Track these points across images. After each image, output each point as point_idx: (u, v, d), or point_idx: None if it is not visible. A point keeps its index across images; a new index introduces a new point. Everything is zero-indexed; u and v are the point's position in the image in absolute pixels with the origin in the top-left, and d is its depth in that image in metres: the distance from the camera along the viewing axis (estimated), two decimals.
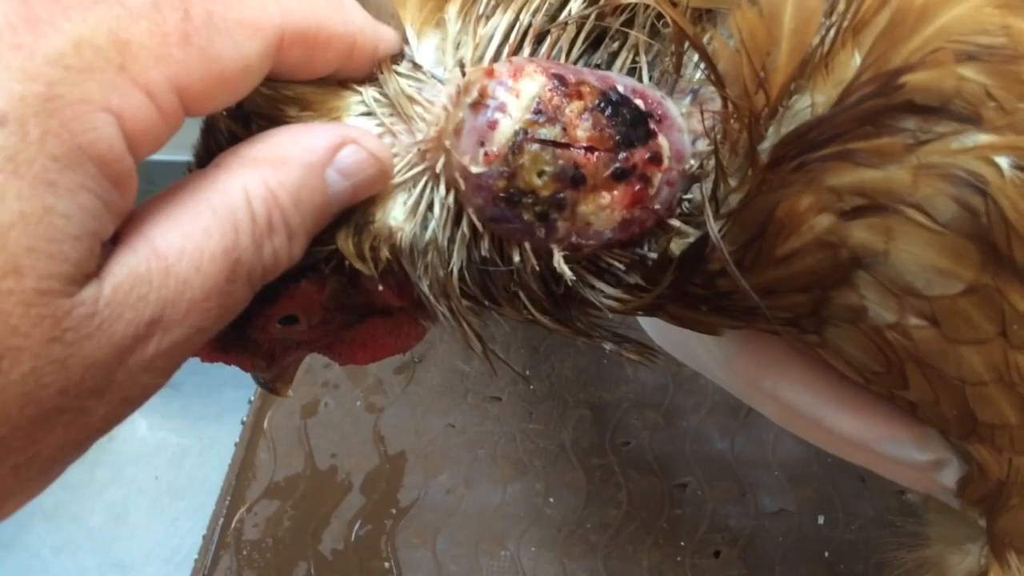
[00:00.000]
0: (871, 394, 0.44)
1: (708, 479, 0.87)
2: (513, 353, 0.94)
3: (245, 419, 0.90)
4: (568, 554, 0.83)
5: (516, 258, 0.40)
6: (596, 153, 0.37)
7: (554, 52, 0.40)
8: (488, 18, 0.40)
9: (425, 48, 0.40)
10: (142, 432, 0.98)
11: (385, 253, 0.40)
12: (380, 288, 0.41)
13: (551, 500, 0.86)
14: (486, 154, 0.37)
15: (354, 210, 0.39)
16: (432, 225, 0.40)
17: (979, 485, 0.43)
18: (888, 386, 0.41)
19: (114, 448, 0.97)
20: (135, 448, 0.97)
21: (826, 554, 0.83)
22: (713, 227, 0.37)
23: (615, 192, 0.38)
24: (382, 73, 0.39)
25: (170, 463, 0.96)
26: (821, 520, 0.85)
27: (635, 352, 0.44)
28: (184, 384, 1.00)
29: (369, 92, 0.39)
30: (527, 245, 0.40)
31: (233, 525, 0.85)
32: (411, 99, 0.39)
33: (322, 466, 0.89)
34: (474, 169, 0.37)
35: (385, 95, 0.39)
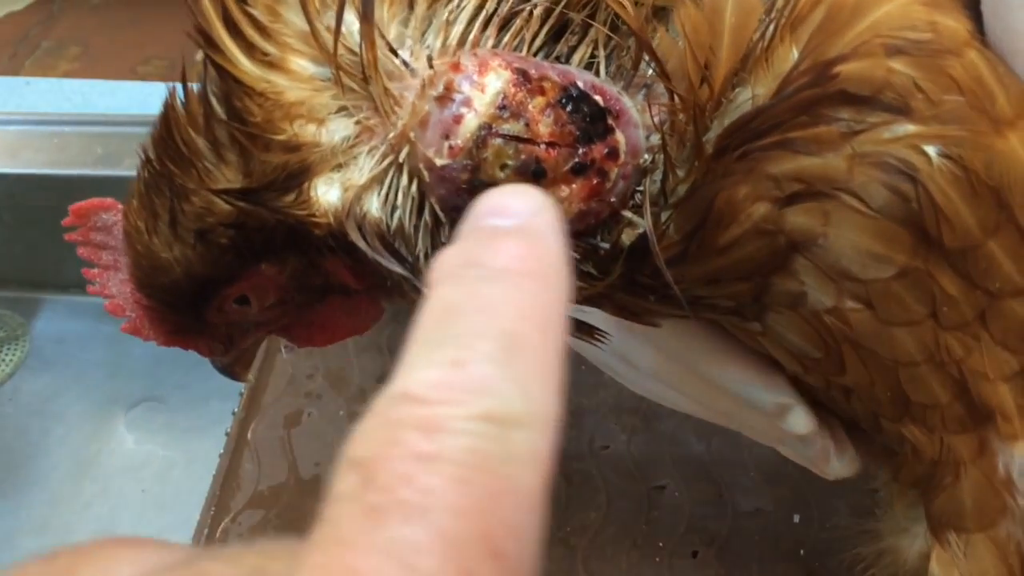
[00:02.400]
0: (732, 338, 0.45)
1: (685, 481, 0.88)
2: None
3: (229, 430, 0.91)
4: (548, 556, 0.84)
5: None
6: (557, 148, 0.39)
7: (516, 41, 0.41)
8: (454, 2, 0.41)
9: (394, 28, 0.41)
10: (129, 446, 0.99)
11: (377, 242, 0.41)
12: (344, 271, 0.43)
13: None
14: (450, 147, 0.39)
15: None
16: (398, 213, 0.41)
17: (913, 466, 0.44)
18: (825, 372, 0.42)
19: (101, 462, 0.98)
20: (122, 462, 0.98)
21: (801, 552, 0.84)
22: (648, 219, 0.39)
23: (573, 186, 0.39)
24: (371, 73, 0.40)
25: (156, 476, 0.97)
26: (797, 519, 0.86)
27: (587, 334, 0.46)
28: (169, 398, 1.01)
29: (349, 87, 0.40)
30: None
31: (218, 535, 0.86)
32: (392, 97, 0.40)
33: (306, 475, 0.90)
34: (439, 162, 0.39)
35: (367, 92, 0.40)
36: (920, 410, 0.42)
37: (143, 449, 0.99)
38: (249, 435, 0.92)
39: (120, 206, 0.48)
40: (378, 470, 0.20)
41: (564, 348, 0.22)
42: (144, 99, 1.09)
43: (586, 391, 0.94)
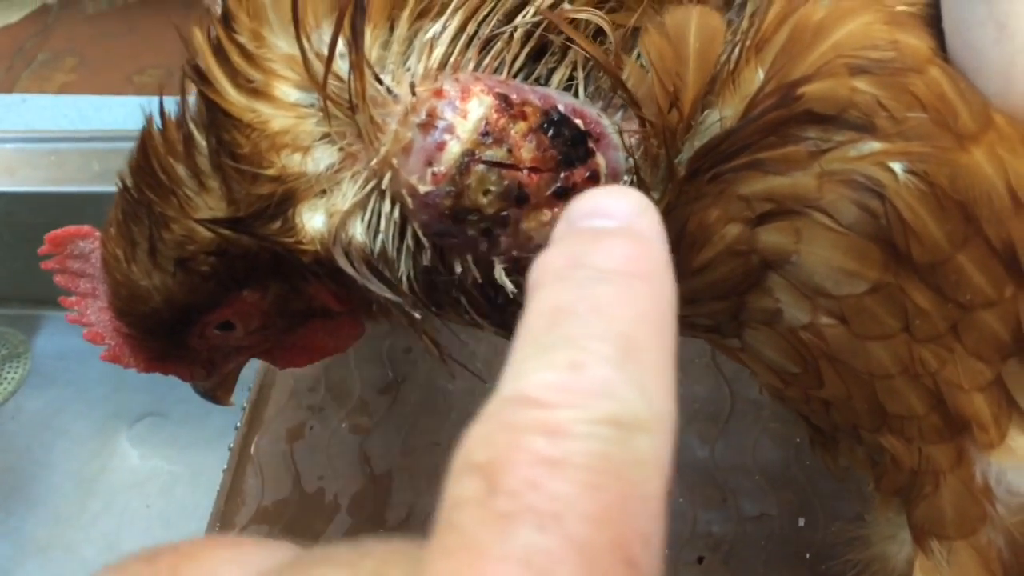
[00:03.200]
0: None
1: (690, 486, 0.88)
2: (496, 368, 0.95)
3: (232, 445, 0.92)
4: None
5: (458, 269, 0.42)
6: (539, 173, 0.39)
7: (497, 63, 0.41)
8: (436, 23, 0.41)
9: (375, 51, 0.41)
10: (133, 462, 0.99)
11: (364, 267, 0.41)
12: (323, 295, 0.43)
13: None
14: (433, 174, 0.39)
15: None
16: (381, 238, 0.41)
17: (894, 475, 0.45)
18: (804, 386, 0.43)
19: (106, 479, 0.98)
20: (127, 478, 0.98)
21: (807, 555, 0.84)
22: None
23: (556, 209, 0.40)
24: (359, 103, 0.40)
25: (161, 491, 0.97)
26: (802, 522, 0.86)
27: None
28: (172, 412, 1.01)
29: (334, 115, 0.40)
30: (469, 257, 0.41)
31: None
32: (376, 124, 0.40)
33: (309, 489, 0.90)
34: (422, 188, 0.39)
35: (352, 120, 0.40)
36: (897, 421, 0.43)
37: (147, 464, 1.00)
38: (252, 449, 0.92)
39: (97, 233, 0.48)
40: (503, 475, 0.19)
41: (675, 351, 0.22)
42: (141, 115, 1.09)
43: None
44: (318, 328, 0.49)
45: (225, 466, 0.90)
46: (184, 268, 0.44)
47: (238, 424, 0.94)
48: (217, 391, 0.51)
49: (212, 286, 0.45)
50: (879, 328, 0.40)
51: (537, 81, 0.42)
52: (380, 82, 0.40)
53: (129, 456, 1.00)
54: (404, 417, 0.94)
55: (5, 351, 1.03)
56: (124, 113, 1.11)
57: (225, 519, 0.88)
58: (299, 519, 0.88)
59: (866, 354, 0.40)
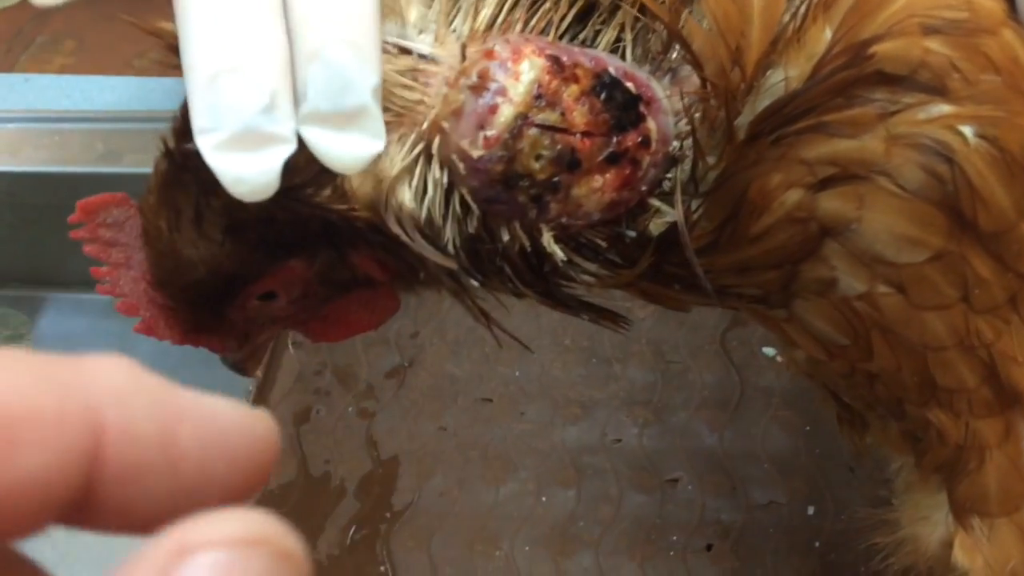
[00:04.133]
0: None
1: (698, 473, 0.87)
2: (504, 353, 0.95)
3: None
4: (562, 552, 0.84)
5: (505, 236, 0.41)
6: (592, 138, 0.38)
7: (544, 24, 0.40)
8: None
9: (414, 10, 0.40)
10: None
11: (417, 234, 0.40)
12: (372, 264, 0.42)
13: (543, 499, 0.87)
14: (485, 138, 0.38)
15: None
16: (427, 202, 0.40)
17: (938, 451, 0.44)
18: (852, 358, 0.42)
19: None
20: None
21: (817, 544, 0.84)
22: (679, 210, 0.39)
23: (607, 175, 0.39)
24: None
25: None
26: (811, 511, 0.86)
27: (610, 321, 0.45)
28: None
29: None
30: (516, 225, 0.41)
31: None
32: (404, 86, 0.39)
33: (315, 473, 0.89)
34: (474, 153, 0.38)
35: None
36: (947, 395, 0.42)
37: None
38: None
39: (133, 201, 0.47)
40: None
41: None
42: (145, 94, 1.08)
43: (597, 383, 0.94)
44: (355, 300, 0.47)
45: None
46: (232, 236, 0.43)
47: None
48: (247, 362, 0.50)
49: (261, 255, 0.43)
50: (937, 298, 0.39)
51: (583, 43, 0.41)
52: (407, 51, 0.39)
53: None
54: (411, 402, 0.94)
55: (7, 332, 1.01)
56: (128, 93, 1.09)
57: None
58: (305, 502, 0.87)
59: (921, 324, 0.40)
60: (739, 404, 0.92)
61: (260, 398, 0.93)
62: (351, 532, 0.86)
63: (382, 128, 0.38)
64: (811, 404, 0.91)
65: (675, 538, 0.84)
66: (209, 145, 0.36)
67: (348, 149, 0.37)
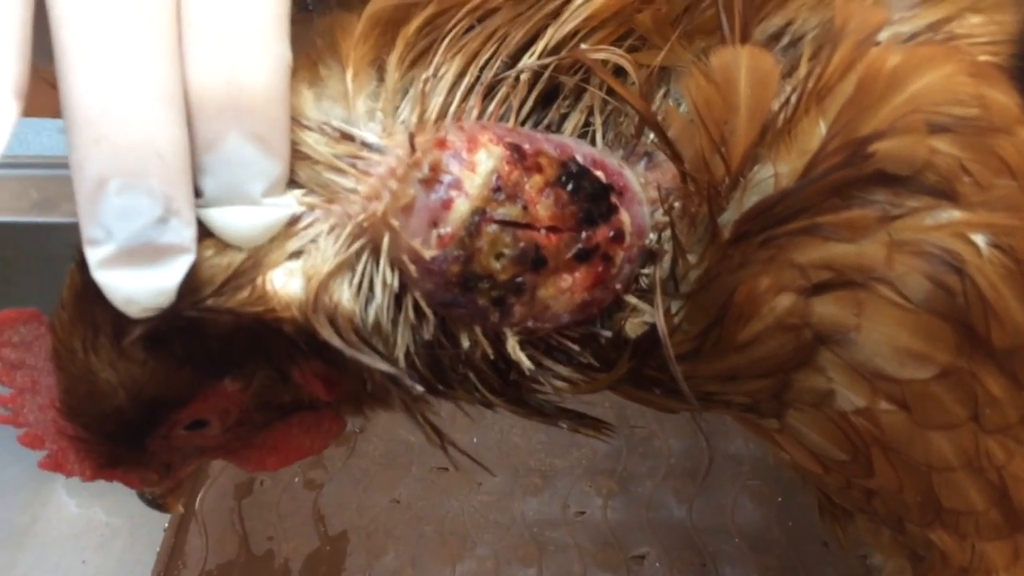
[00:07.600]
0: None
1: (667, 549, 0.83)
2: (459, 420, 0.90)
3: None
4: None
5: (465, 343, 0.36)
6: (558, 233, 0.34)
7: (503, 110, 0.36)
8: (432, 68, 0.36)
9: (362, 102, 0.36)
10: (71, 511, 0.92)
11: (353, 336, 0.36)
12: (314, 381, 0.37)
13: None
14: (439, 236, 0.34)
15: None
16: (374, 307, 0.36)
17: (941, 573, 0.40)
18: (850, 474, 0.38)
19: (39, 530, 0.91)
20: (62, 530, 0.91)
21: None
22: (659, 312, 0.34)
23: (577, 274, 0.35)
24: (310, 152, 0.35)
25: (99, 545, 0.90)
26: None
27: (592, 428, 0.41)
28: None
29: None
30: (478, 329, 0.36)
31: None
32: (340, 171, 0.35)
33: (258, 551, 0.83)
34: (427, 253, 0.34)
35: (315, 169, 0.35)
36: (953, 516, 0.39)
37: (85, 515, 0.93)
38: (196, 505, 0.85)
39: (43, 318, 0.41)
40: None
41: None
42: None
43: (558, 451, 0.89)
44: (295, 425, 0.42)
45: (167, 524, 0.84)
46: (155, 352, 0.37)
47: None
48: (168, 497, 0.44)
49: (187, 375, 0.38)
50: (944, 417, 0.35)
51: (548, 128, 0.37)
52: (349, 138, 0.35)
53: (66, 505, 0.92)
54: (362, 471, 0.89)
55: None
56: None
57: None
58: None
59: (926, 444, 0.36)
60: (708, 473, 0.88)
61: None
62: None
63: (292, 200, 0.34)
64: (783, 473, 0.88)
65: None
66: (96, 259, 0.31)
67: (249, 221, 0.33)
